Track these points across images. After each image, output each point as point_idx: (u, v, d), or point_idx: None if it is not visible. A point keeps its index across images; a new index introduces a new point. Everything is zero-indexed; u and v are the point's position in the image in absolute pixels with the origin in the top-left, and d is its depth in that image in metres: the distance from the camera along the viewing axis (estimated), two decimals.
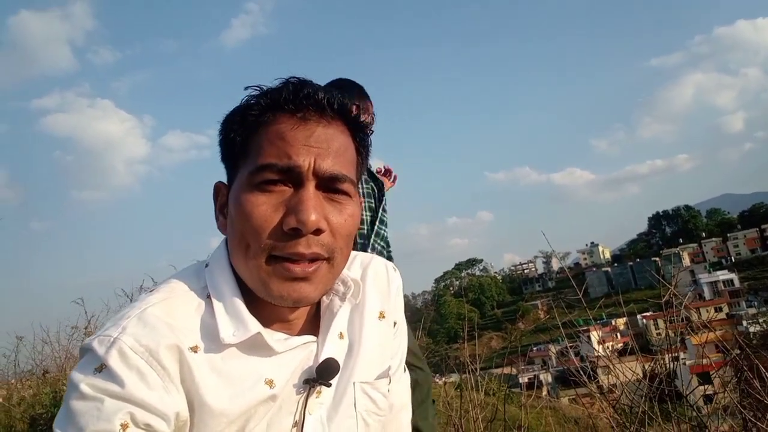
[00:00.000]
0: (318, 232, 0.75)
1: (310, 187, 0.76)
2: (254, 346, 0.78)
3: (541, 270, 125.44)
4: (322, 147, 0.76)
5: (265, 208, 0.74)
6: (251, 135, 0.78)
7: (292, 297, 0.76)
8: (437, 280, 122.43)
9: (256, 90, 0.80)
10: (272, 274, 0.75)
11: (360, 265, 0.95)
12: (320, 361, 0.82)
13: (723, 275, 71.75)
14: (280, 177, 0.75)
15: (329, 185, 0.78)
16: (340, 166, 0.78)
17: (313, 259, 0.76)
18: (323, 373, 0.81)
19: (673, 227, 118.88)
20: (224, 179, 0.85)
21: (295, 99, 0.77)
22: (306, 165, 0.75)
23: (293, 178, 0.75)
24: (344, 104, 0.80)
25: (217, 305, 0.77)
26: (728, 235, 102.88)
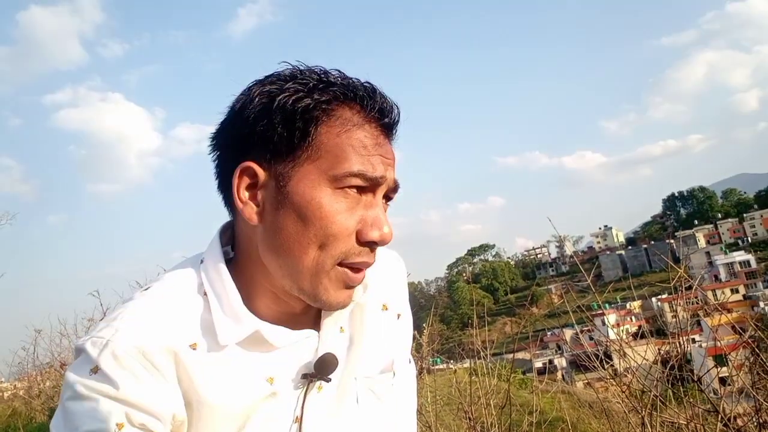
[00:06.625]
0: None
1: (381, 197, 0.79)
2: (254, 342, 0.77)
3: (554, 254, 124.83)
4: (390, 160, 0.79)
5: (347, 215, 0.75)
6: (321, 130, 0.75)
7: (345, 303, 0.78)
8: (450, 267, 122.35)
9: (308, 70, 0.77)
10: (336, 281, 0.76)
11: None
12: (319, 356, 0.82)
13: (739, 256, 70.89)
14: (366, 184, 0.75)
15: (389, 195, 0.81)
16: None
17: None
18: (321, 368, 0.80)
19: (688, 208, 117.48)
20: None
21: (372, 108, 0.77)
22: (386, 177, 0.77)
23: (374, 187, 0.77)
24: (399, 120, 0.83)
25: (214, 303, 0.77)
26: (745, 215, 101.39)
